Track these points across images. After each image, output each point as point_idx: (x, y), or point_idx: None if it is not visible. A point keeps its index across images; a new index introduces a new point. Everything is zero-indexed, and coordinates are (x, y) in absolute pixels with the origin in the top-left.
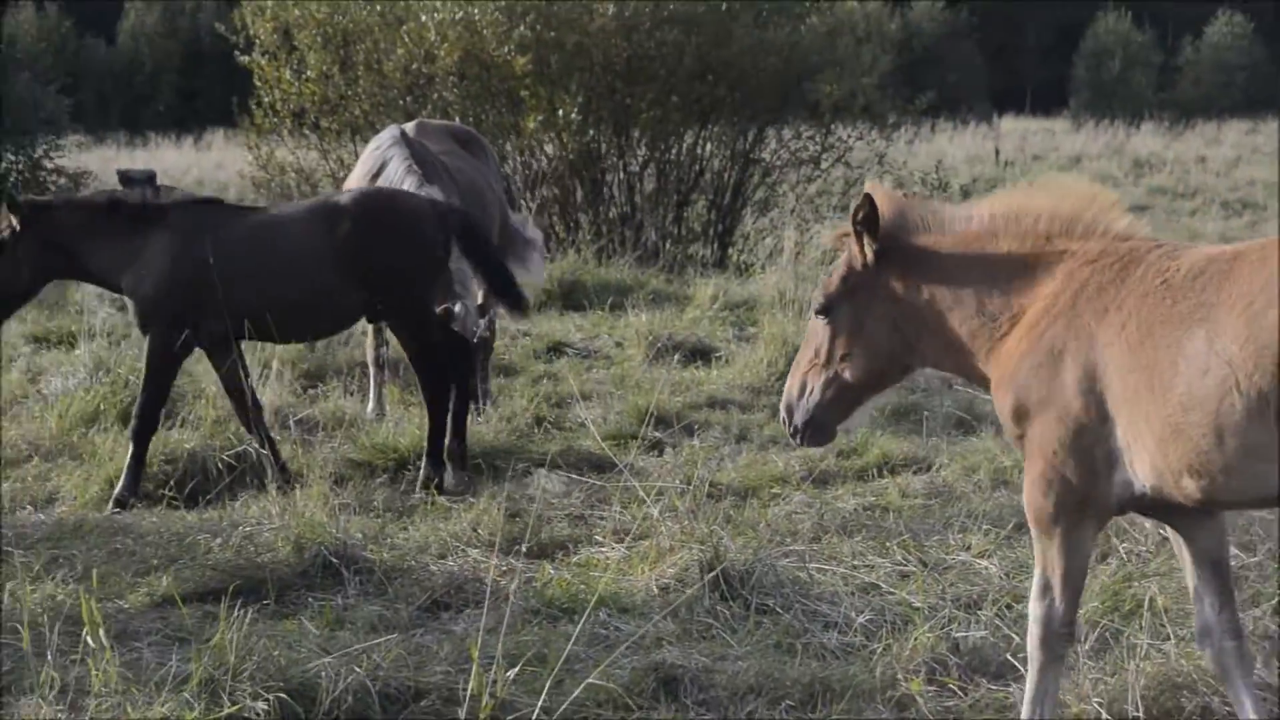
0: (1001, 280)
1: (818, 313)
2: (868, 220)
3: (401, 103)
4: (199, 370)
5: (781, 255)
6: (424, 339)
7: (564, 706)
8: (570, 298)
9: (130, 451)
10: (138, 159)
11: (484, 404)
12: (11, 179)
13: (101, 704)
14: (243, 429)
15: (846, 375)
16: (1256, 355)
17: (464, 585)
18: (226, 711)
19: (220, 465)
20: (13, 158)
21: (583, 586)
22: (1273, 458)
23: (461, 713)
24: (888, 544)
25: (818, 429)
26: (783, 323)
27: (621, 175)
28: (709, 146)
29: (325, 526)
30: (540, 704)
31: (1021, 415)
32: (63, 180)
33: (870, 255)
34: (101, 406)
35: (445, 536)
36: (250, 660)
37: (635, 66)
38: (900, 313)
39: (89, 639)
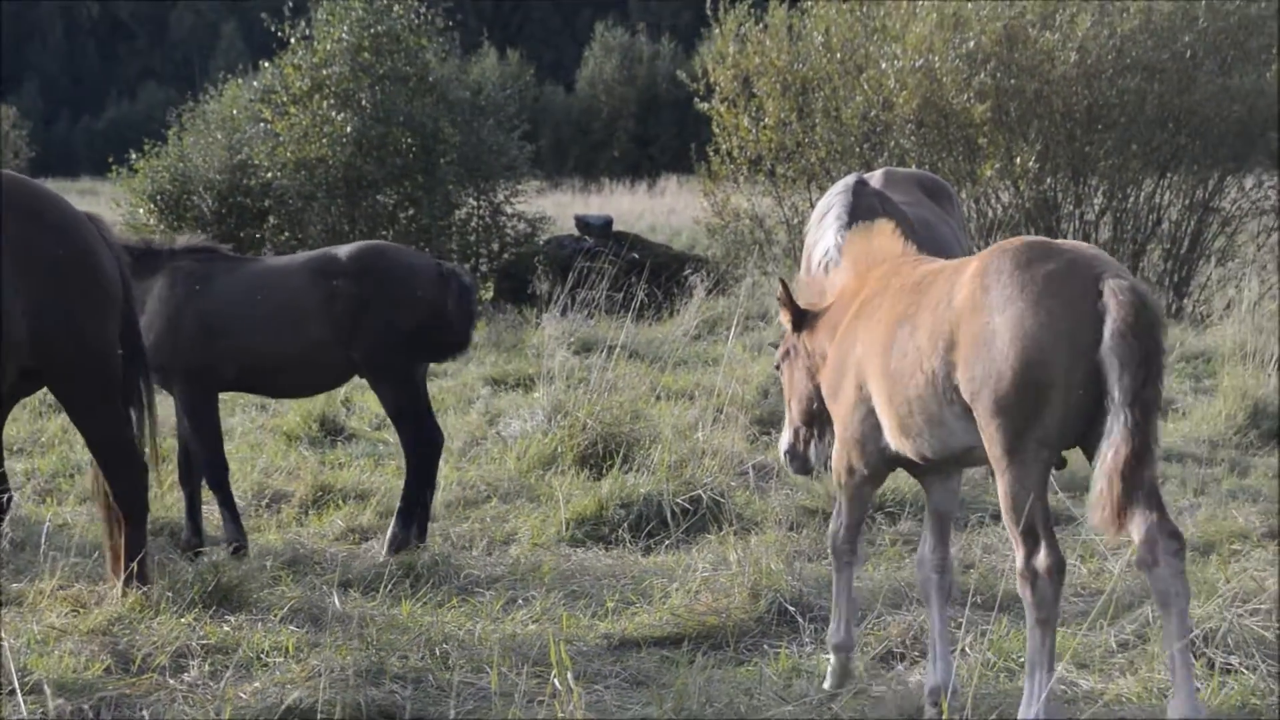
0: (835, 314)
1: (776, 368)
2: (782, 299)
3: (858, 150)
4: (653, 413)
5: (1240, 306)
6: (409, 400)
7: None
8: None
9: (218, 500)
10: (593, 204)
11: None
12: (473, 223)
13: None
14: (695, 474)
15: (794, 415)
16: (933, 342)
17: (919, 636)
18: None
19: (675, 509)
20: (474, 202)
21: None
22: (946, 423)
23: None
24: None
25: (794, 459)
26: (1243, 375)
27: (1077, 224)
28: (1167, 195)
29: (781, 574)
30: None
31: (830, 402)
32: (521, 225)
33: (789, 324)
34: (559, 449)
35: (899, 586)
36: (711, 707)
37: (1095, 114)
38: (809, 364)
39: (556, 681)
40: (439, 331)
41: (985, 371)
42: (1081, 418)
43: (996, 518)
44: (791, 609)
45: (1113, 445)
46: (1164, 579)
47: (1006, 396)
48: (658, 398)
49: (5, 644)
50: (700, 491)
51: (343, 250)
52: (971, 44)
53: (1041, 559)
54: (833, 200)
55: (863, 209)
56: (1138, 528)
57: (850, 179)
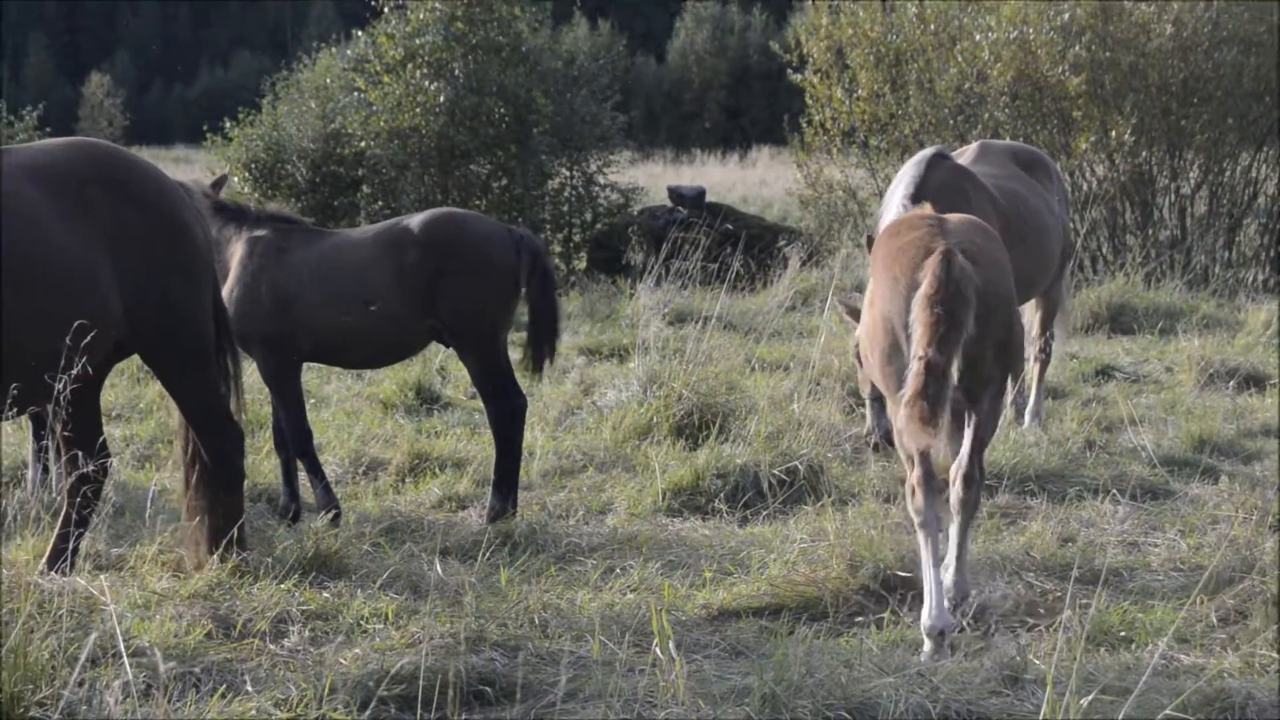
0: None
1: None
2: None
3: (951, 122)
4: (748, 384)
5: None
6: (491, 368)
7: None
8: (1118, 321)
9: (305, 467)
10: (684, 175)
11: (1034, 422)
12: (566, 193)
13: (669, 715)
14: (791, 446)
15: None
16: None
17: (1016, 608)
18: None
19: (772, 480)
20: (567, 173)
21: (1139, 615)
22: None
23: None
24: None
25: None
26: None
27: (1172, 198)
28: (1263, 169)
29: (879, 545)
30: None
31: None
32: (614, 195)
33: None
34: (654, 419)
35: (996, 558)
36: (811, 678)
37: (1191, 87)
38: None
39: (658, 651)
40: (515, 297)
41: None
42: None
43: (1095, 491)
44: (889, 579)
45: None
46: None
47: None
48: (752, 369)
49: (111, 608)
50: (796, 463)
51: (413, 221)
52: (1066, 16)
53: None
54: (903, 174)
55: (933, 182)
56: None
57: (928, 152)
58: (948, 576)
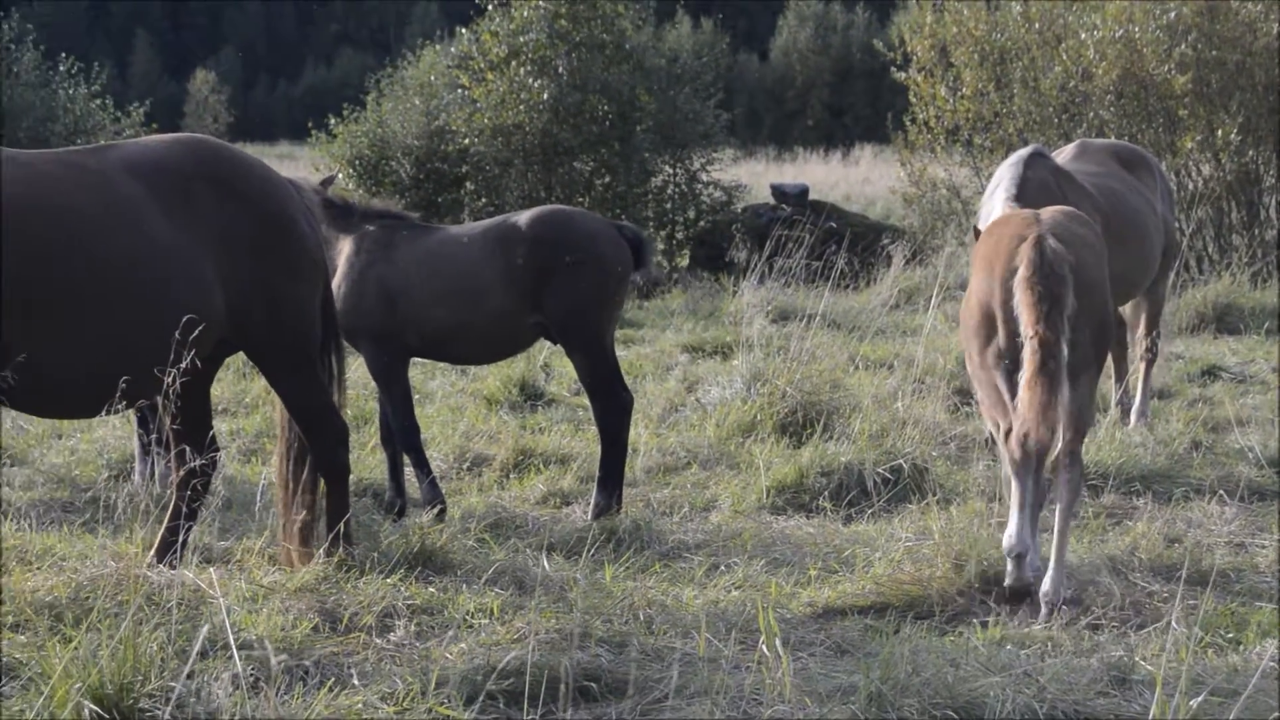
0: None
1: None
2: None
3: (1056, 121)
4: (852, 383)
5: None
6: (598, 365)
7: None
8: (1224, 321)
9: (412, 462)
10: (786, 173)
11: (1141, 422)
12: (669, 190)
13: (775, 713)
14: (896, 444)
15: None
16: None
17: (1122, 607)
18: None
19: (876, 478)
20: (670, 170)
21: (1247, 616)
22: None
23: None
24: None
25: None
26: None
27: None
28: None
29: (984, 544)
30: None
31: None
32: (717, 193)
33: None
34: (758, 417)
35: (1100, 558)
36: (917, 676)
37: None
38: None
39: (764, 648)
40: (622, 294)
41: None
42: None
43: (1201, 492)
44: (993, 578)
45: None
46: None
47: None
48: (856, 367)
49: (220, 601)
50: (901, 461)
51: (522, 217)
52: (1172, 15)
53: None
54: (1003, 173)
55: (1033, 182)
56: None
57: (1025, 151)
58: (1047, 580)
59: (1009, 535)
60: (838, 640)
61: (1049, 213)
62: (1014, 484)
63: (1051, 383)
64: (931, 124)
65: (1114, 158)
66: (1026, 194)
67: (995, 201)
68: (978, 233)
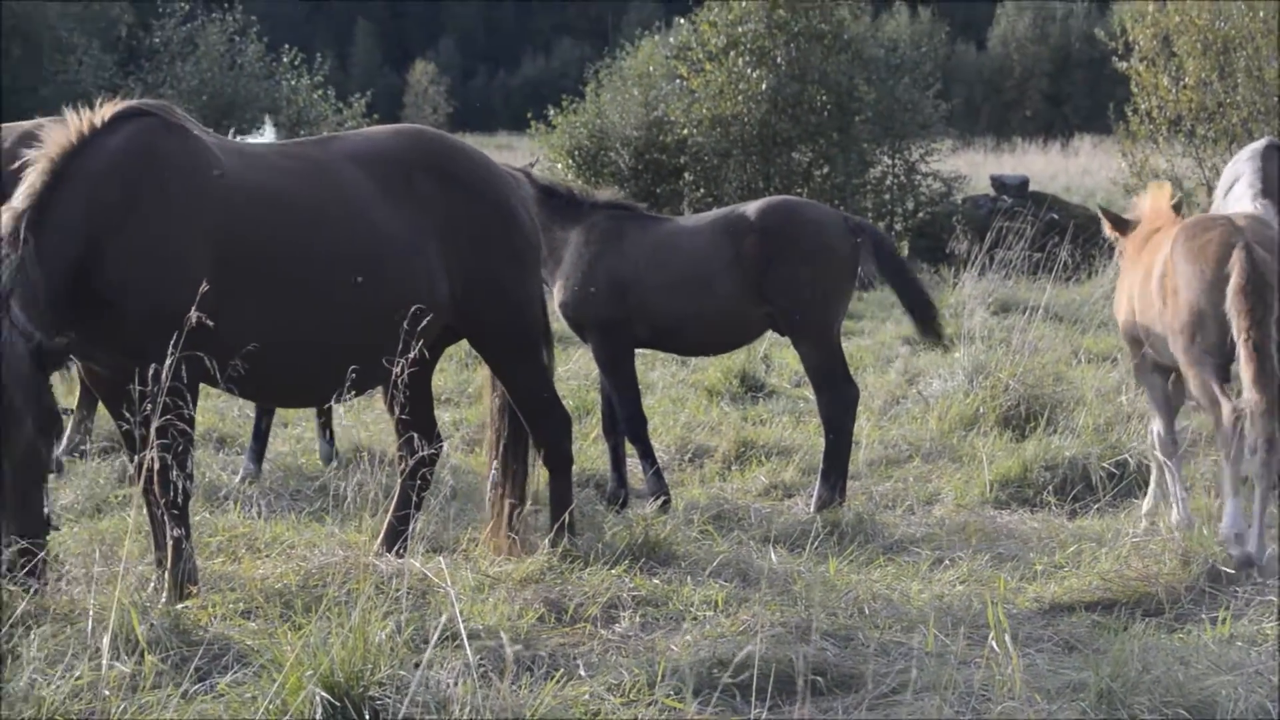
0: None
1: None
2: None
3: None
4: (1075, 376)
5: None
6: (825, 356)
7: None
8: None
9: (638, 452)
10: (1005, 164)
11: None
12: (888, 181)
13: (1005, 709)
14: (1121, 438)
15: None
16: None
17: None
18: None
19: (1101, 473)
20: (889, 161)
21: None
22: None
23: None
24: None
25: None
26: None
27: None
28: None
29: (1213, 540)
30: None
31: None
32: (936, 184)
33: None
34: (981, 410)
35: None
36: (1147, 674)
37: None
38: None
39: (993, 643)
40: (851, 285)
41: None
42: None
43: None
44: (1223, 576)
45: None
46: None
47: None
48: (1079, 360)
49: (450, 590)
50: (1126, 456)
51: (750, 208)
52: None
53: None
54: (1241, 168)
55: (1272, 175)
56: None
57: (1259, 144)
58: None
59: (1225, 521)
60: (1065, 637)
61: (1244, 219)
62: (1226, 470)
63: (1272, 383)
64: (1154, 114)
65: None
66: (1271, 188)
67: (1239, 195)
68: (1113, 220)
